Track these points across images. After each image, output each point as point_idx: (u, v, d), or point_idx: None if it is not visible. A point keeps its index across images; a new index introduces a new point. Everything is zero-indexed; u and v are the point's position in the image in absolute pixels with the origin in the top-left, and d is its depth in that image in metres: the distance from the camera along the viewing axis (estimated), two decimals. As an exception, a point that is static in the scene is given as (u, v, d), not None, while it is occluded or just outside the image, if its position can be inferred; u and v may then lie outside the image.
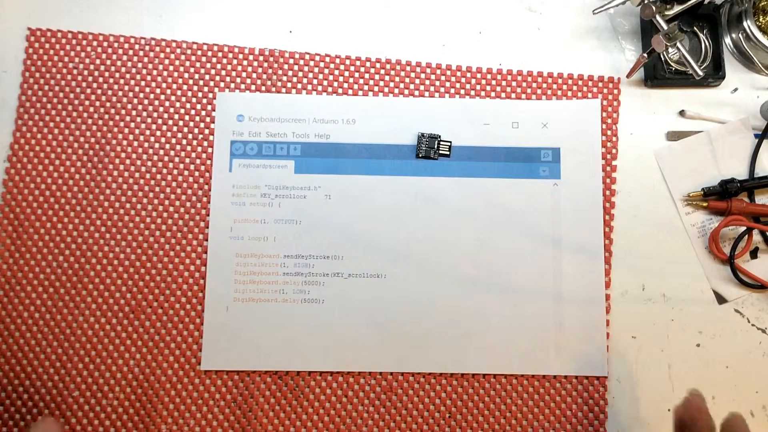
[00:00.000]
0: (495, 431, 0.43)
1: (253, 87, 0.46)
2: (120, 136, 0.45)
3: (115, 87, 0.45)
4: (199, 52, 0.46)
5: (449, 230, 0.44)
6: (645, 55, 0.44)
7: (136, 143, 0.45)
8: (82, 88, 0.45)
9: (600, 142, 0.45)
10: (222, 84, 0.46)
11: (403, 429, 0.43)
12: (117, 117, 0.45)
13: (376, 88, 0.46)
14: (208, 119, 0.45)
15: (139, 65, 0.45)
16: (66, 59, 0.45)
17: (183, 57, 0.46)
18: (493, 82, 0.46)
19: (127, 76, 0.45)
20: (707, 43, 0.46)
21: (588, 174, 0.45)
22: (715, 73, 0.46)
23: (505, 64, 0.46)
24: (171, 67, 0.46)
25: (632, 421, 0.43)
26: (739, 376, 0.43)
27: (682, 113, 0.46)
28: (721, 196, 0.45)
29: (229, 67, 0.46)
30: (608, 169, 0.45)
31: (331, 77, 0.46)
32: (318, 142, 0.45)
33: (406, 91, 0.46)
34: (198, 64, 0.46)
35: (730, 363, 0.44)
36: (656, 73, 0.46)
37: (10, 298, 0.43)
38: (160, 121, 0.45)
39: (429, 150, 0.45)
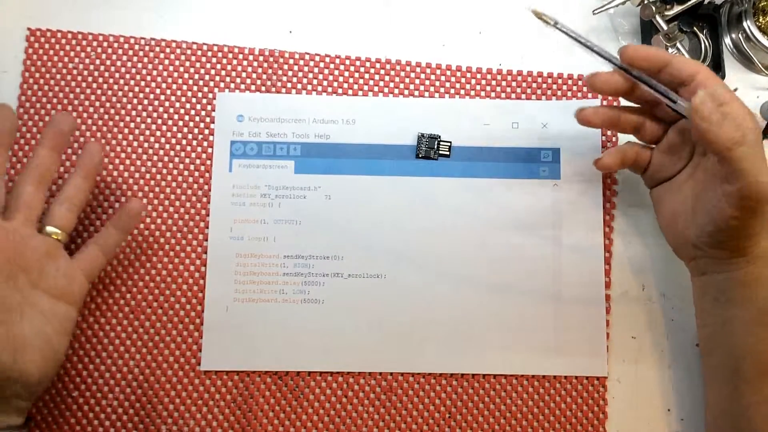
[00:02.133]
0: (495, 431, 0.43)
1: (253, 87, 0.46)
2: (120, 136, 0.45)
3: (115, 87, 0.45)
4: (199, 52, 0.46)
5: (449, 230, 0.44)
6: (645, 55, 0.44)
7: (136, 143, 0.45)
8: (82, 88, 0.45)
9: (600, 142, 0.45)
10: (222, 84, 0.46)
11: (403, 429, 0.43)
12: (117, 117, 0.45)
13: (376, 88, 0.46)
14: (208, 119, 0.45)
15: (139, 65, 0.45)
16: (66, 59, 0.45)
17: (183, 57, 0.46)
18: (493, 82, 0.46)
19: (127, 76, 0.45)
20: (707, 44, 0.46)
21: (588, 174, 0.45)
22: (715, 73, 0.46)
23: (505, 64, 0.46)
24: (171, 67, 0.46)
25: (632, 421, 0.43)
26: (739, 376, 0.43)
27: (682, 113, 0.46)
28: (721, 196, 0.44)
29: (229, 67, 0.46)
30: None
31: (331, 77, 0.46)
32: (318, 142, 0.45)
33: (406, 91, 0.46)
34: (198, 64, 0.46)
35: (730, 363, 0.43)
36: (656, 74, 0.46)
37: (10, 298, 0.43)
38: (160, 121, 0.45)
39: (429, 150, 0.45)
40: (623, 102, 0.42)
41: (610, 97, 0.46)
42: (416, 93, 0.46)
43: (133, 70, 0.45)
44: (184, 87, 0.45)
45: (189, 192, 0.44)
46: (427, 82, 0.46)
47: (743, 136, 0.32)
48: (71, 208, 0.40)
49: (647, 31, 0.46)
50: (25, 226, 0.38)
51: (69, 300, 0.39)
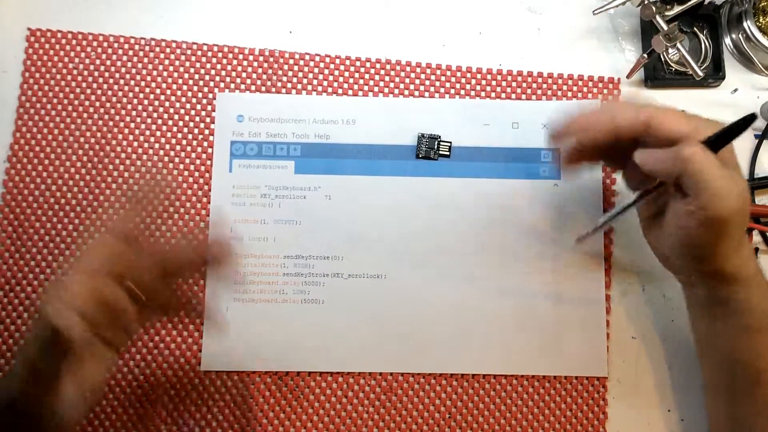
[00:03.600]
0: (495, 431, 0.43)
1: (253, 87, 0.46)
2: (120, 136, 0.45)
3: (115, 87, 0.45)
4: (199, 52, 0.46)
5: (449, 230, 0.44)
6: (645, 55, 0.44)
7: (136, 143, 0.45)
8: (82, 88, 0.45)
9: (600, 143, 0.45)
10: (222, 84, 0.46)
11: (403, 429, 0.43)
12: (117, 117, 0.45)
13: (376, 88, 0.46)
14: (208, 119, 0.45)
15: (139, 65, 0.45)
16: (66, 59, 0.45)
17: (183, 57, 0.46)
18: (493, 83, 0.46)
19: (127, 76, 0.45)
20: (707, 44, 0.46)
21: (588, 174, 0.45)
22: (715, 74, 0.46)
23: (505, 65, 0.46)
24: (171, 67, 0.46)
25: (632, 421, 0.43)
26: (738, 377, 0.43)
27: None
28: (721, 197, 0.44)
29: (229, 67, 0.46)
30: (608, 169, 0.45)
31: (331, 77, 0.46)
32: (318, 142, 0.45)
33: (406, 92, 0.46)
34: (198, 64, 0.46)
35: (729, 363, 0.43)
36: (656, 74, 0.46)
37: (10, 299, 0.43)
38: (160, 121, 0.45)
39: (429, 150, 0.45)
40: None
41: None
42: (416, 93, 0.46)
43: (133, 70, 0.45)
44: (184, 87, 0.45)
45: (189, 192, 0.44)
46: (427, 82, 0.46)
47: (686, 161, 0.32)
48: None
49: (647, 31, 0.46)
50: (119, 284, 0.34)
51: (117, 349, 0.36)
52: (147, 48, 0.46)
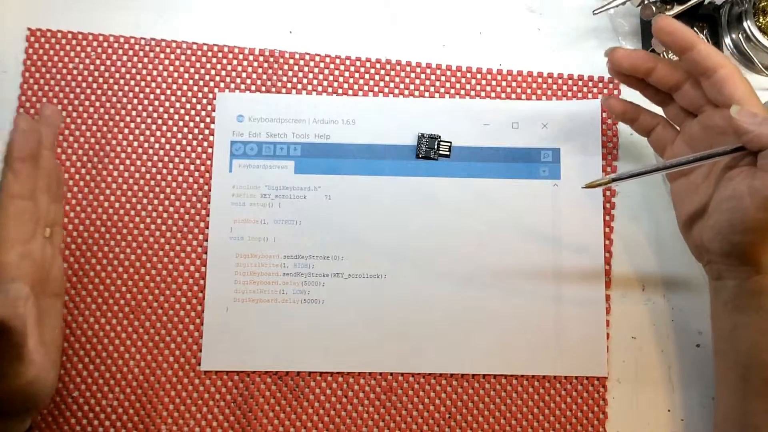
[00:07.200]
0: (495, 431, 0.43)
1: (253, 87, 0.46)
2: (120, 136, 0.45)
3: (115, 87, 0.45)
4: (199, 52, 0.46)
5: (449, 230, 0.44)
6: (645, 55, 0.44)
7: (136, 143, 0.45)
8: (82, 88, 0.45)
9: (600, 142, 0.45)
10: (222, 84, 0.46)
11: (403, 429, 0.43)
12: (117, 117, 0.45)
13: (376, 89, 0.46)
14: (208, 119, 0.45)
15: (139, 65, 0.45)
16: (66, 59, 0.45)
17: (183, 57, 0.46)
18: (493, 83, 0.46)
19: (127, 76, 0.45)
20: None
21: (588, 174, 0.45)
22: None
23: (505, 64, 0.46)
24: (171, 67, 0.46)
25: (632, 421, 0.43)
26: (739, 377, 0.43)
27: (682, 113, 0.46)
28: (721, 197, 0.44)
29: (229, 67, 0.46)
30: (608, 169, 0.45)
31: (331, 77, 0.46)
32: (318, 142, 0.45)
33: (406, 92, 0.46)
34: (198, 64, 0.46)
35: (730, 363, 0.43)
36: (656, 74, 0.46)
37: (10, 298, 0.43)
38: (160, 121, 0.45)
39: (429, 150, 0.45)
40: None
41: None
42: (416, 93, 0.46)
43: (133, 70, 0.45)
44: (184, 87, 0.45)
45: (189, 192, 0.44)
46: (427, 82, 0.46)
47: None
48: (55, 199, 0.41)
49: (647, 31, 0.46)
50: (42, 236, 0.38)
51: (60, 292, 0.40)
52: (147, 48, 0.46)
